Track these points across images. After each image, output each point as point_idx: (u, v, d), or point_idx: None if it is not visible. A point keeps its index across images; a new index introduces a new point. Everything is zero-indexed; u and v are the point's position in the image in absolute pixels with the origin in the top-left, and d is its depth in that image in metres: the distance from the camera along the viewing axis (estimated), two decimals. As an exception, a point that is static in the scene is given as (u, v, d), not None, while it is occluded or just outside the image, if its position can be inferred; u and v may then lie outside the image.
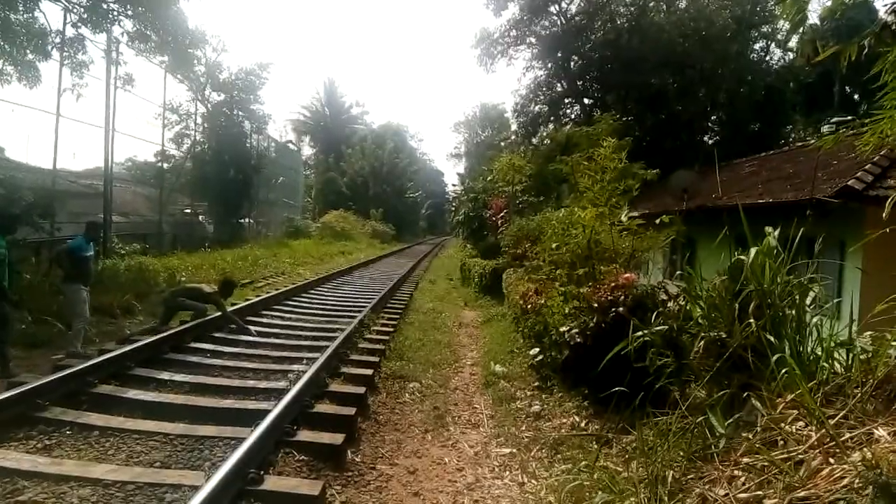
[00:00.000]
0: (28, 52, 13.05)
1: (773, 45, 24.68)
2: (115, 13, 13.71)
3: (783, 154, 14.39)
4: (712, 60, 21.47)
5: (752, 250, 3.59)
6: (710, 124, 26.64)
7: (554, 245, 7.52)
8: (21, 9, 12.51)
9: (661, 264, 14.58)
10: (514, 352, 8.59)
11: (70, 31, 13.94)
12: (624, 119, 24.78)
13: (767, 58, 25.05)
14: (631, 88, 24.08)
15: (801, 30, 3.66)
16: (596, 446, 4.40)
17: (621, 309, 4.83)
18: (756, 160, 14.98)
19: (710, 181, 15.01)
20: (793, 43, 22.32)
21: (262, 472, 3.74)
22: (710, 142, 26.64)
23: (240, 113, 27.67)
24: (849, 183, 7.20)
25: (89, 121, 15.82)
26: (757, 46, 24.86)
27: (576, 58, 26.39)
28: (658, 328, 4.05)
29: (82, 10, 13.47)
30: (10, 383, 5.00)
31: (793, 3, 3.48)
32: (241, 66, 26.87)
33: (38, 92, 14.11)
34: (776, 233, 3.69)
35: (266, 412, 4.51)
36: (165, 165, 24.99)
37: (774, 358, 3.20)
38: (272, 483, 3.70)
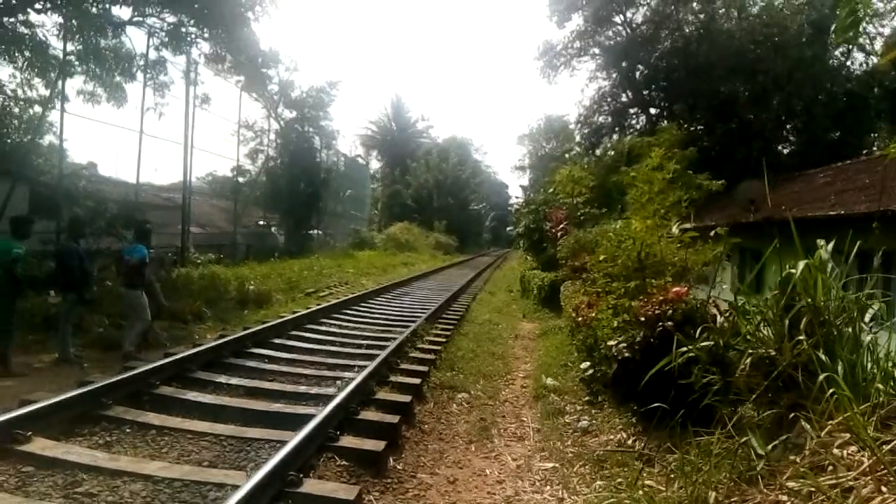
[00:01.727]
0: (116, 74, 14.13)
1: (854, 48, 23.18)
2: (193, 36, 14.65)
3: (859, 164, 13.49)
4: (786, 67, 20.44)
5: (801, 263, 3.40)
6: (785, 133, 25.33)
7: (601, 257, 7.36)
8: (110, 34, 13.53)
9: (729, 279, 13.97)
10: (567, 365, 8.44)
11: (153, 54, 15.05)
12: (691, 129, 23.99)
13: (848, 62, 23.58)
14: (699, 97, 23.28)
15: (852, 32, 3.45)
16: (639, 464, 4.27)
17: (669, 324, 4.68)
18: (832, 170, 14.14)
19: (782, 192, 14.30)
20: (878, 46, 21.00)
21: (301, 475, 3.86)
22: (786, 151, 25.35)
23: (310, 129, 28.77)
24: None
25: (170, 138, 16.89)
26: (837, 52, 23.47)
27: (641, 67, 25.84)
28: (703, 344, 3.90)
29: (164, 34, 14.47)
30: (79, 383, 5.38)
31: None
32: (311, 84, 28.04)
33: (125, 111, 15.26)
34: (829, 246, 3.49)
35: (312, 417, 4.65)
36: (241, 179, 26.38)
37: (822, 377, 3.01)
38: (310, 486, 3.81)
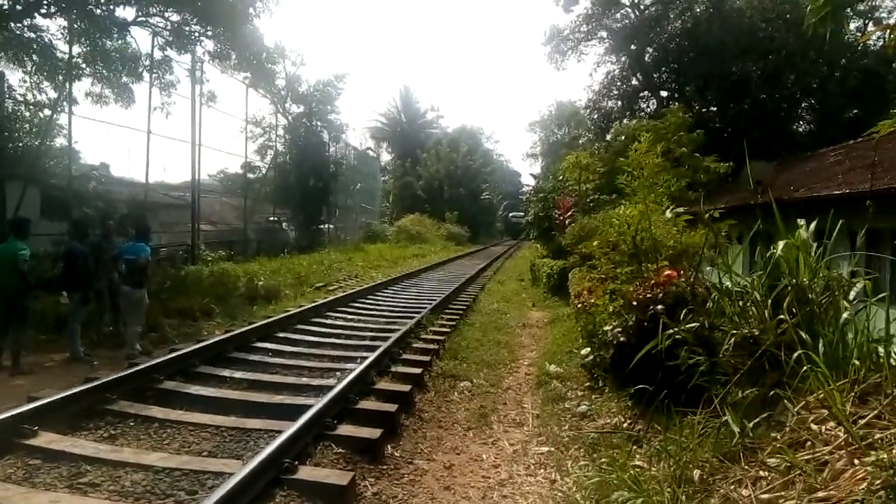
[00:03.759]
0: (122, 75, 14.31)
1: (870, 24, 22.71)
2: (197, 35, 14.77)
3: (870, 141, 13.28)
4: (799, 45, 20.08)
5: (780, 243, 3.41)
6: (799, 112, 24.99)
7: (595, 243, 7.36)
8: (115, 35, 13.69)
9: (740, 262, 13.86)
10: (572, 352, 8.45)
11: (158, 54, 15.19)
12: (703, 110, 23.72)
13: (863, 36, 23.08)
14: (711, 78, 23.00)
15: (826, 13, 3.40)
16: (630, 445, 4.31)
17: (659, 307, 4.69)
18: (843, 149, 13.92)
19: (793, 172, 14.14)
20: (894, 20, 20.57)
21: (296, 463, 3.95)
22: (801, 130, 24.99)
23: (318, 123, 28.83)
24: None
25: (178, 137, 17.07)
26: (852, 27, 23.00)
27: (650, 50, 25.58)
28: (689, 326, 3.91)
29: (168, 33, 14.60)
30: (85, 379, 5.52)
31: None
32: (318, 78, 28.07)
33: (133, 112, 15.46)
34: (812, 226, 3.47)
35: (310, 407, 4.75)
36: (250, 176, 26.57)
37: (795, 354, 3.03)
38: (305, 472, 3.92)
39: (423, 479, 4.45)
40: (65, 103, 13.60)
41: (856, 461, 2.55)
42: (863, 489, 2.34)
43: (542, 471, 4.57)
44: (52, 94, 13.96)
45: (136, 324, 7.81)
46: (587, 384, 6.77)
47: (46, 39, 13.18)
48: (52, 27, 13.62)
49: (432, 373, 7.22)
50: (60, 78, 13.52)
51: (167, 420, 4.79)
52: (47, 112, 14.09)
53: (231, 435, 4.60)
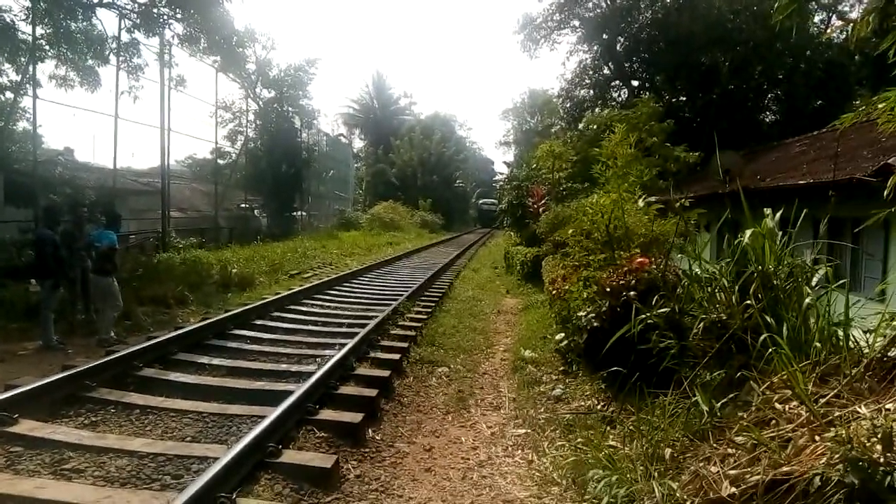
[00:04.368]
0: (88, 57, 13.93)
1: (833, 17, 23.34)
2: (166, 17, 14.47)
3: (833, 132, 13.74)
4: (766, 36, 20.49)
5: (748, 231, 3.58)
6: (766, 102, 25.57)
7: (570, 231, 7.53)
8: (80, 17, 13.31)
9: (709, 249, 14.25)
10: (546, 338, 8.64)
11: (125, 37, 14.83)
12: (673, 100, 24.12)
13: (828, 30, 23.72)
14: (680, 68, 23.38)
15: (793, 9, 3.56)
16: (604, 427, 4.49)
17: (632, 293, 4.86)
18: (808, 139, 14.37)
19: (760, 162, 14.53)
20: (855, 14, 21.10)
21: (280, 447, 4.02)
22: (768, 121, 25.60)
23: (290, 109, 28.48)
24: (889, 161, 6.87)
25: (146, 121, 16.70)
26: (816, 19, 23.61)
27: (622, 39, 25.80)
28: (660, 311, 4.09)
29: (135, 15, 14.26)
30: (63, 366, 5.48)
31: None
32: (290, 63, 27.65)
33: (99, 96, 15.07)
34: (777, 215, 3.66)
35: (291, 393, 4.81)
36: (221, 162, 26.14)
37: (761, 338, 3.21)
38: (289, 456, 3.99)
39: (404, 461, 4.56)
40: (28, 86, 13.21)
41: (816, 437, 2.73)
42: (823, 463, 2.52)
43: (519, 452, 4.72)
44: (15, 77, 13.54)
45: (111, 310, 7.72)
46: (561, 368, 6.96)
47: (8, 20, 12.77)
48: (15, 7, 13.19)
49: (410, 359, 7.33)
50: (23, 60, 13.11)
51: (148, 406, 4.80)
52: (9, 95, 13.67)
53: (213, 421, 4.64)
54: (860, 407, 2.73)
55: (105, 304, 7.74)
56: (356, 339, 6.85)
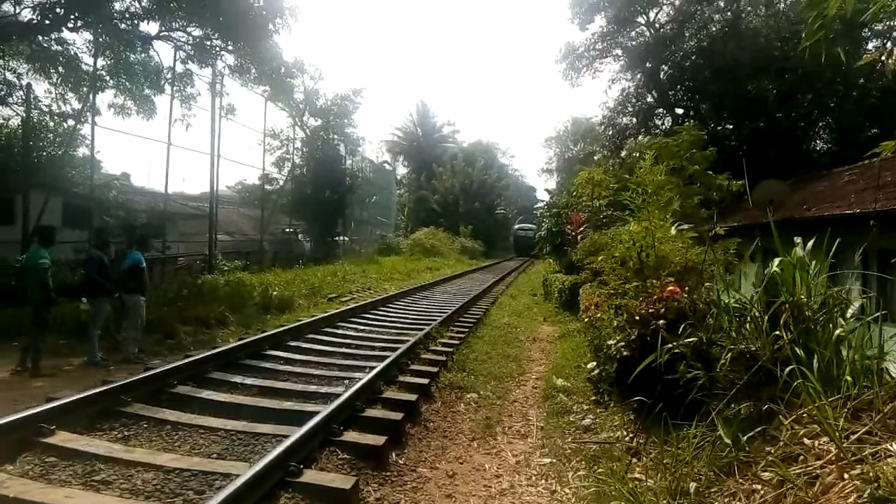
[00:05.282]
0: (145, 87, 14.73)
1: (889, 43, 22.58)
2: (218, 49, 15.17)
3: (885, 161, 13.20)
4: (815, 64, 19.99)
5: (776, 261, 3.48)
6: (817, 131, 24.83)
7: (600, 258, 7.42)
8: (139, 49, 14.13)
9: (752, 279, 13.79)
10: (580, 367, 8.48)
11: (179, 67, 15.61)
12: (719, 128, 23.68)
13: (883, 57, 22.93)
14: (726, 96, 22.97)
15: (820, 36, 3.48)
16: (630, 458, 4.36)
17: (661, 322, 4.75)
18: (858, 168, 13.86)
19: (807, 191, 14.08)
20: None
21: (301, 467, 4.06)
22: (819, 149, 24.83)
23: (335, 136, 29.27)
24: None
25: (198, 148, 17.46)
26: (870, 46, 22.89)
27: (666, 67, 25.62)
28: (688, 340, 3.98)
29: (189, 47, 15.01)
30: (101, 381, 5.70)
31: None
32: (336, 92, 28.54)
33: (154, 123, 15.88)
34: (809, 244, 3.53)
35: (317, 413, 4.86)
36: (268, 187, 26.99)
37: (788, 369, 3.08)
38: (310, 476, 4.02)
39: (425, 486, 4.53)
40: (88, 114, 14.06)
41: (845, 475, 2.60)
42: (850, 503, 2.40)
43: (543, 481, 4.63)
44: (76, 105, 14.46)
45: (132, 329, 8.00)
46: (593, 398, 6.81)
47: (72, 52, 13.69)
48: (79, 40, 14.18)
49: (440, 384, 7.30)
50: (84, 89, 13.99)
51: (179, 423, 4.93)
52: (71, 122, 14.54)
53: (240, 438, 4.72)
54: (892, 444, 2.59)
55: (128, 321, 8.03)
56: (386, 362, 6.89)
